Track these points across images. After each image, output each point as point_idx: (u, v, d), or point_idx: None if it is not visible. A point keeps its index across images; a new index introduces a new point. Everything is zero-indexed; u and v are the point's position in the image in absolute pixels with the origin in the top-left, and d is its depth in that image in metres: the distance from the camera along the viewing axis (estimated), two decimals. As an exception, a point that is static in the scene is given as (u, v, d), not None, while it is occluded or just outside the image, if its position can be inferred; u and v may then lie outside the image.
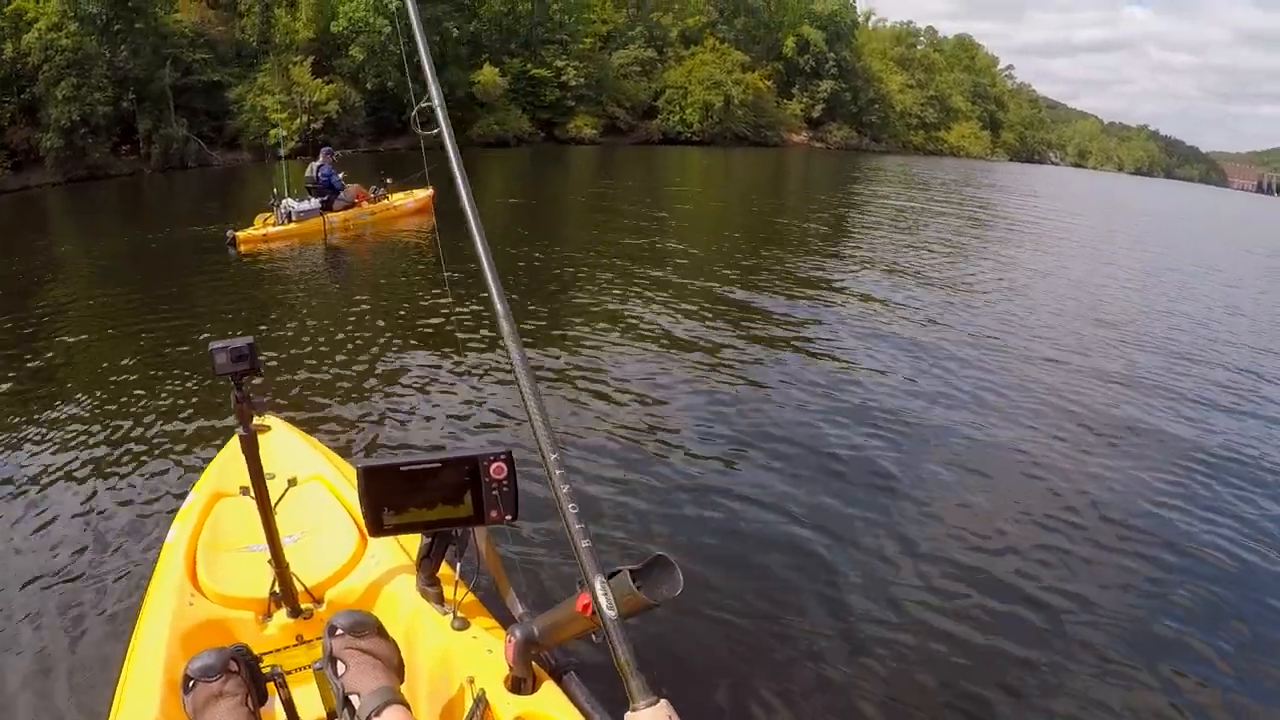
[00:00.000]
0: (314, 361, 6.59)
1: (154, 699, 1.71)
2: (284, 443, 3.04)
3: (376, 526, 1.82)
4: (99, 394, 5.86)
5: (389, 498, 1.81)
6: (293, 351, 6.85)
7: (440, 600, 2.05)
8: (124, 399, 5.72)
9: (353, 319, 8.02)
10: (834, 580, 3.72)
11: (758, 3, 54.57)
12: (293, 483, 2.25)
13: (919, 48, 71.27)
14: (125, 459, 4.74)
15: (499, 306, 1.82)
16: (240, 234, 11.64)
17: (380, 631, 1.52)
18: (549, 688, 1.78)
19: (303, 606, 2.18)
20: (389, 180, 13.93)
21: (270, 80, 31.43)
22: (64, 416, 5.41)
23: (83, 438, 5.05)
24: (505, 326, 1.79)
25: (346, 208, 12.96)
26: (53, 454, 4.82)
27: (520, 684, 1.76)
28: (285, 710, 1.67)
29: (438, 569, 2.07)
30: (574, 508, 1.50)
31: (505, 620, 2.00)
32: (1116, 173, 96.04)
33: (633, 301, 8.84)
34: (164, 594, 2.18)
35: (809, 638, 3.29)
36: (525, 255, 11.33)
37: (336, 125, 31.28)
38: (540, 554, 3.64)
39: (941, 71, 70.02)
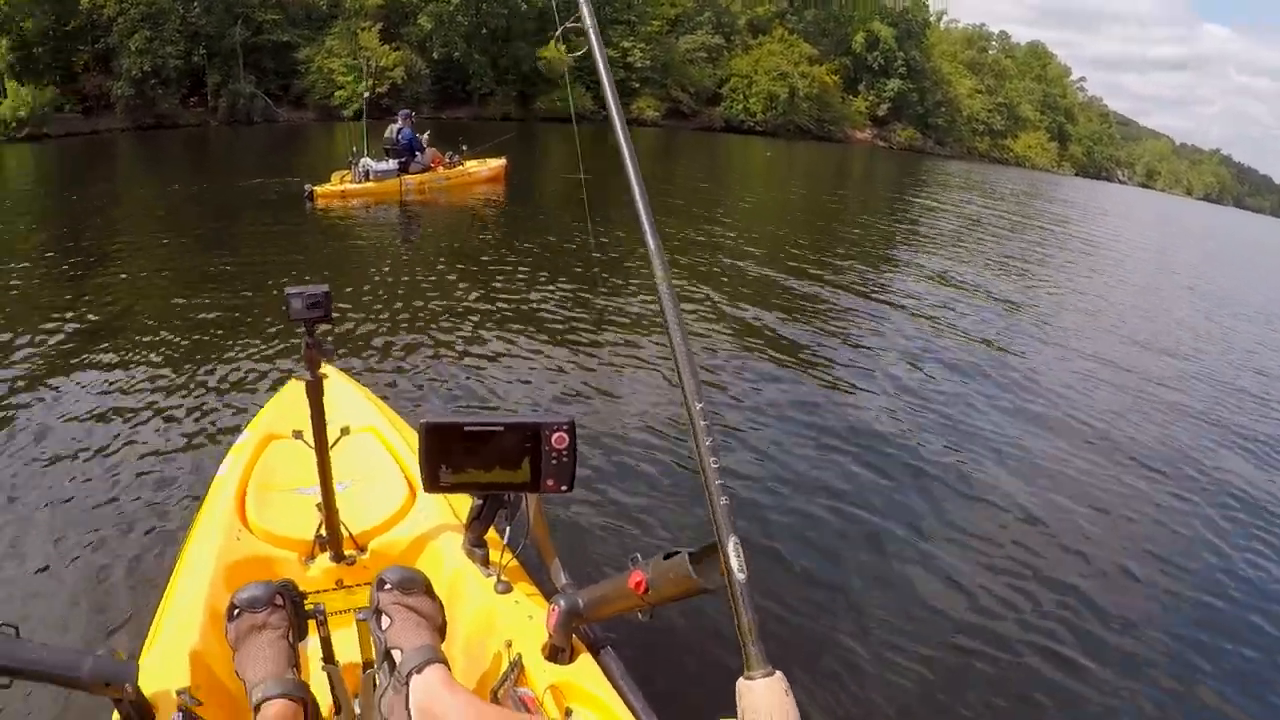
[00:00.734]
0: (377, 315, 6.58)
1: (194, 627, 1.71)
2: (340, 392, 3.03)
3: (433, 482, 1.80)
4: (163, 331, 5.95)
5: (448, 455, 1.79)
6: (357, 305, 6.84)
7: (485, 562, 2.06)
8: (187, 337, 5.82)
9: (420, 279, 7.97)
10: (919, 579, 3.66)
11: (829, -5, 53.49)
12: (346, 431, 2.19)
13: (990, 52, 69.47)
14: (186, 393, 4.83)
15: (651, 245, 1.67)
16: (318, 189, 11.73)
17: (428, 590, 1.50)
18: (585, 660, 1.76)
19: (346, 553, 2.18)
20: (465, 147, 14.09)
21: (339, 43, 31.45)
22: (129, 351, 5.51)
23: (146, 371, 5.15)
24: (656, 262, 1.65)
25: (423, 171, 13.02)
26: (118, 385, 4.91)
27: (558, 653, 1.75)
28: (323, 648, 1.65)
29: (486, 531, 2.07)
30: (715, 462, 1.40)
31: (547, 589, 1.99)
32: (1185, 196, 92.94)
33: (698, 289, 8.49)
34: (212, 526, 2.21)
35: (923, 629, 3.25)
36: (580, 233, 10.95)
37: (402, 91, 31.05)
38: (588, 529, 3.63)
39: (1012, 78, 68.12)
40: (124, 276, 7.53)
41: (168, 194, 12.99)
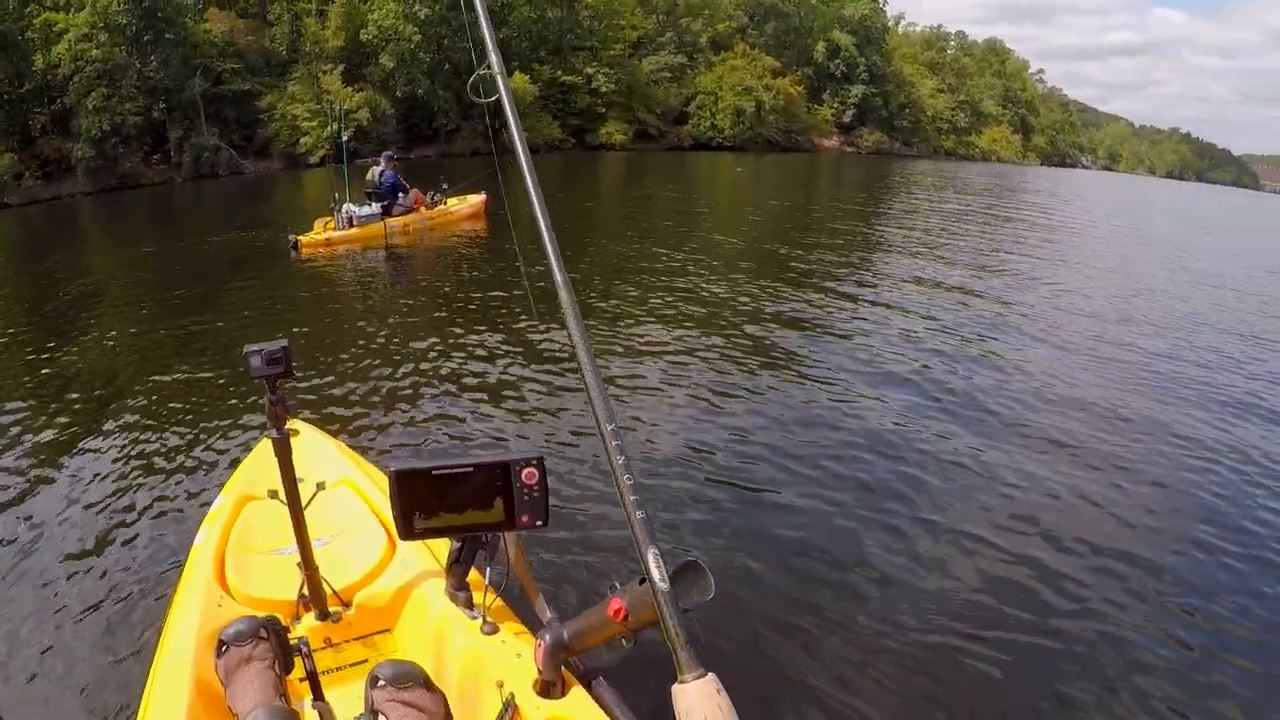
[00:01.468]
0: (349, 366, 6.49)
1: (181, 702, 1.69)
2: (313, 446, 3.01)
3: (408, 530, 1.80)
4: (132, 396, 5.89)
5: (420, 501, 1.79)
6: (328, 356, 6.77)
7: (469, 605, 2.03)
8: (157, 402, 5.74)
9: (403, 324, 7.91)
10: (877, 577, 3.67)
11: (788, 8, 53.83)
12: (321, 486, 2.22)
13: (949, 52, 70.27)
14: (156, 461, 4.74)
15: (558, 276, 1.75)
16: (302, 238, 11.61)
17: (426, 683, 1.44)
18: (578, 692, 1.76)
19: (331, 610, 2.16)
20: (446, 186, 14.09)
21: (301, 89, 31.21)
22: (97, 417, 5.44)
23: (115, 439, 5.06)
24: (565, 296, 1.73)
25: (405, 213, 12.96)
26: (85, 455, 4.84)
27: (550, 688, 1.75)
28: (310, 680, 1.67)
29: (467, 573, 2.05)
30: (629, 479, 1.46)
31: (534, 625, 1.99)
32: (1148, 176, 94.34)
33: (667, 309, 8.46)
34: (193, 596, 2.18)
35: (854, 631, 3.24)
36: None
37: (367, 133, 30.78)
38: (569, 560, 3.61)
39: (972, 76, 68.93)
40: (95, 345, 7.41)
41: (137, 257, 12.80)
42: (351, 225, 12.12)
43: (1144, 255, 16.46)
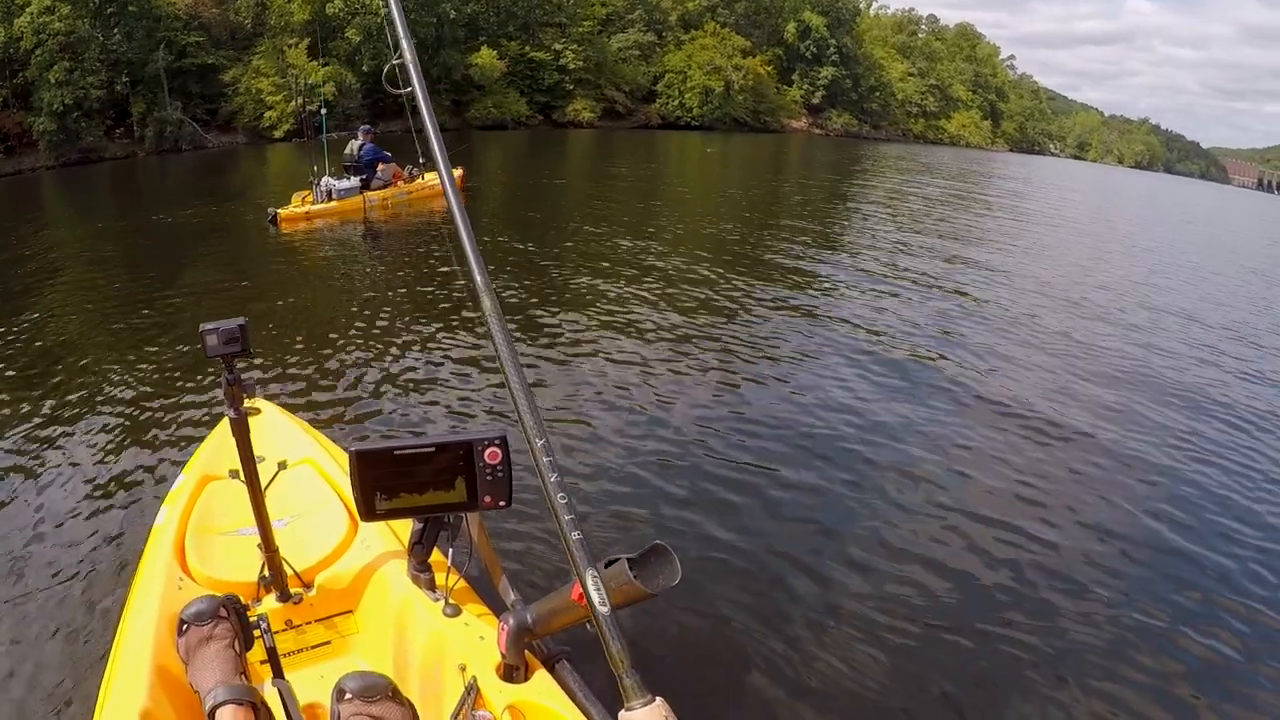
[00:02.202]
0: (317, 343, 6.43)
1: (141, 685, 1.67)
2: (274, 425, 3.00)
3: (369, 511, 1.80)
4: (92, 375, 5.78)
5: (382, 482, 1.78)
6: (297, 333, 6.72)
7: (432, 586, 2.03)
8: (117, 380, 5.63)
9: (369, 302, 7.86)
10: (834, 577, 3.63)
11: (758, -14, 53.98)
12: (283, 466, 2.17)
13: (920, 35, 70.79)
14: (116, 440, 4.67)
15: (478, 279, 1.74)
16: (281, 211, 11.61)
17: (394, 695, 1.42)
18: (541, 676, 1.76)
19: (292, 591, 2.14)
20: (423, 160, 13.72)
21: (265, 63, 31.08)
22: (56, 396, 5.35)
23: (74, 418, 5.00)
24: (487, 302, 1.72)
25: (384, 187, 12.98)
26: (43, 434, 4.76)
27: (513, 672, 1.74)
28: (270, 659, 1.67)
29: (429, 555, 2.04)
30: (563, 497, 1.45)
31: (497, 607, 1.98)
32: (1116, 165, 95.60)
33: (628, 289, 8.63)
34: (153, 577, 2.15)
35: (809, 635, 3.20)
36: (518, 240, 11.16)
37: (333, 107, 30.86)
38: (534, 541, 3.57)
39: (942, 60, 69.55)
40: (54, 322, 7.28)
41: (99, 232, 12.64)
42: (330, 199, 12.14)
43: (1114, 243, 17.10)
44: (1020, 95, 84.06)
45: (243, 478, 1.98)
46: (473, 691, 1.69)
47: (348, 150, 12.84)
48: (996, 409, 5.91)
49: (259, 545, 2.06)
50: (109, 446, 4.61)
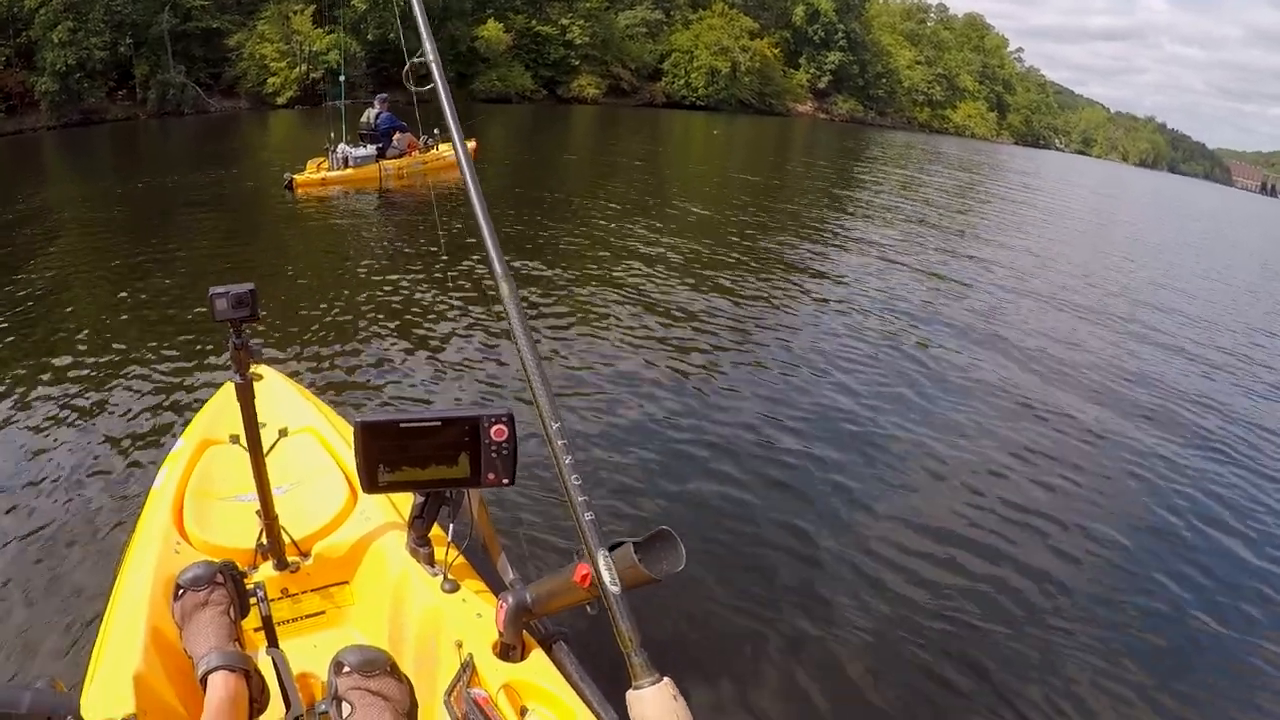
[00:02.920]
0: (324, 310, 6.41)
1: (135, 649, 1.66)
2: (277, 392, 2.97)
3: (371, 483, 1.81)
4: (95, 335, 5.74)
5: (386, 454, 1.78)
6: (304, 299, 6.68)
7: (430, 561, 2.02)
8: (120, 342, 5.60)
9: (375, 270, 7.81)
10: (846, 559, 3.63)
11: (768, -32, 53.51)
12: (284, 433, 2.15)
13: (929, 24, 70.32)
14: (116, 401, 4.66)
15: (498, 269, 1.78)
16: (298, 177, 11.60)
17: (392, 671, 1.41)
18: (538, 656, 1.76)
19: (289, 559, 2.13)
20: (438, 131, 13.59)
21: (270, 28, 30.81)
22: (58, 356, 5.31)
23: (76, 377, 4.98)
24: (504, 288, 1.76)
25: (398, 156, 12.88)
26: (45, 393, 4.76)
27: (509, 651, 1.74)
28: (265, 626, 1.67)
29: (429, 529, 2.04)
30: (577, 479, 1.47)
31: (495, 585, 1.99)
32: (1120, 163, 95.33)
33: (639, 268, 8.59)
34: (149, 541, 2.13)
35: (812, 620, 3.20)
36: (524, 216, 11.11)
37: (336, 75, 30.67)
38: (534, 520, 3.55)
39: (950, 50, 69.10)
40: (56, 280, 7.22)
41: (102, 192, 12.44)
42: (347, 166, 12.11)
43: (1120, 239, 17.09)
44: (1027, 88, 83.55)
45: (243, 443, 1.96)
46: (468, 669, 1.69)
47: (364, 118, 12.76)
48: (1022, 401, 5.94)
49: (257, 512, 2.05)
50: (109, 407, 4.58)
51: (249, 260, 8.30)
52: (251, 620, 1.64)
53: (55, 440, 4.19)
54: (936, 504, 4.29)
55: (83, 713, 1.38)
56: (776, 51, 52.07)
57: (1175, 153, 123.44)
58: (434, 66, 2.03)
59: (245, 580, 1.63)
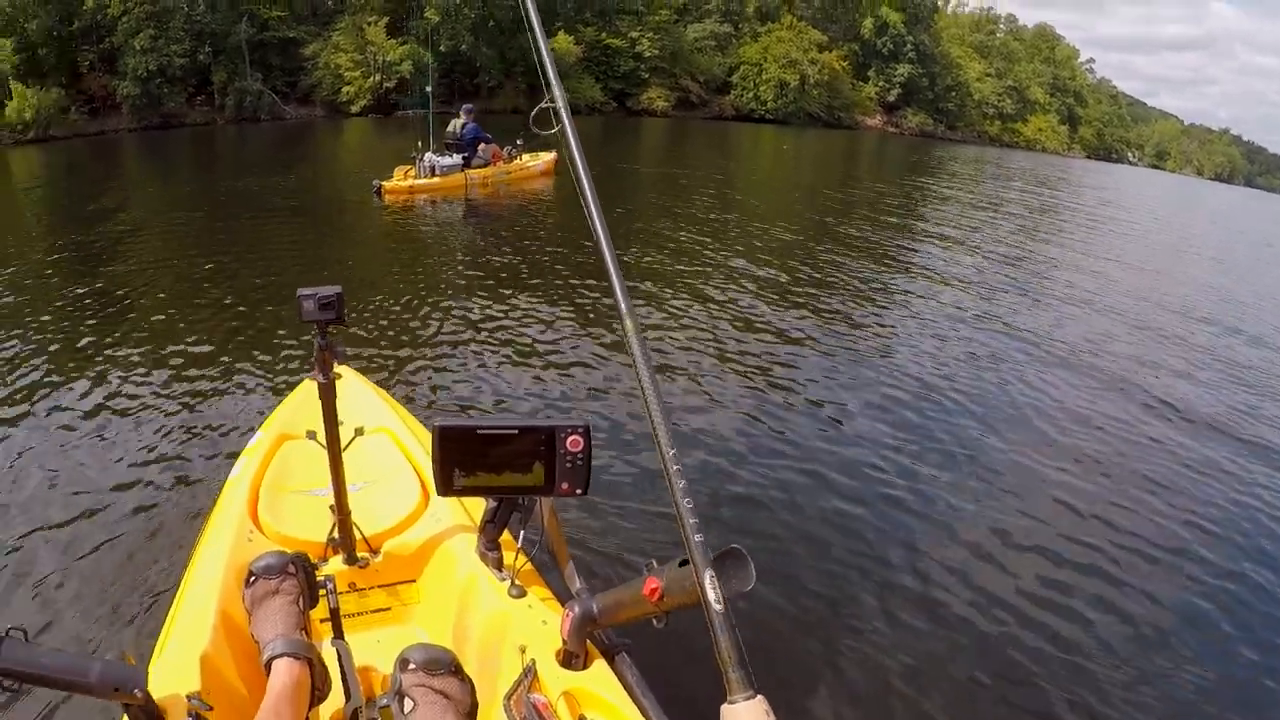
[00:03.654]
0: (405, 315, 6.41)
1: (204, 630, 1.68)
2: (355, 392, 3.02)
3: (446, 486, 1.80)
4: (175, 328, 5.89)
5: (462, 458, 1.78)
6: (386, 303, 6.67)
7: (499, 566, 2.02)
8: (199, 336, 5.73)
9: (460, 278, 7.80)
10: (935, 577, 3.54)
11: (837, -20, 52.80)
12: (360, 432, 2.15)
13: (998, 35, 68.69)
14: (197, 392, 4.77)
15: (622, 305, 1.71)
16: (386, 184, 11.84)
17: (456, 670, 1.36)
18: (600, 666, 1.74)
19: (359, 555, 2.14)
20: (520, 142, 13.98)
21: (345, 39, 31.03)
22: (143, 346, 5.46)
23: (160, 366, 5.13)
24: (629, 324, 1.68)
25: (483, 165, 13.11)
26: (130, 380, 4.89)
27: (572, 659, 1.73)
28: (332, 618, 1.69)
29: (500, 535, 2.02)
30: (689, 502, 1.42)
31: (561, 594, 1.98)
32: (1195, 177, 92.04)
33: (728, 287, 8.12)
34: (223, 528, 2.19)
35: (905, 641, 3.11)
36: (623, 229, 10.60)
37: (410, 85, 30.64)
38: (603, 533, 3.54)
39: (1020, 61, 67.33)
40: (144, 273, 7.34)
41: (188, 194, 12.73)
42: (434, 174, 12.31)
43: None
44: (1099, 100, 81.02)
45: (320, 439, 2.00)
46: (530, 674, 1.69)
47: (450, 128, 12.99)
48: (1148, 435, 5.51)
49: (331, 506, 2.08)
50: (190, 399, 4.68)
51: (333, 263, 8.36)
52: (319, 611, 1.64)
53: (138, 429, 4.28)
54: (1050, 533, 4.08)
55: (150, 688, 1.36)
56: (845, 64, 51.09)
57: (1251, 165, 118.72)
58: (563, 113, 1.93)
59: (316, 572, 1.63)
